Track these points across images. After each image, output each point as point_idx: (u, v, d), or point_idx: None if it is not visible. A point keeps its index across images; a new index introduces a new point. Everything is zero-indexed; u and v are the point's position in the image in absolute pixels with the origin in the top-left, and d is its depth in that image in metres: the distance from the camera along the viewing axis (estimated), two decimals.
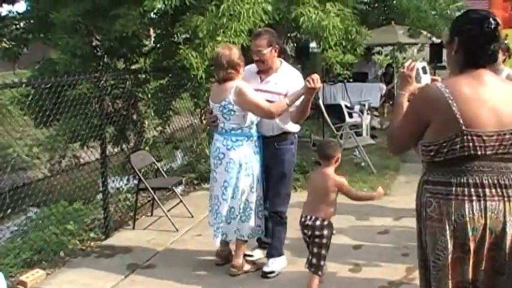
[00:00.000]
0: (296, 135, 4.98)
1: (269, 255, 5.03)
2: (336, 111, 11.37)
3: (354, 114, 11.30)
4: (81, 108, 6.95)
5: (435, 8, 14.01)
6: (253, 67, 4.87)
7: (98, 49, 8.84)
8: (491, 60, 2.66)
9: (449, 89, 2.56)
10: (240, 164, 4.68)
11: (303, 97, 4.56)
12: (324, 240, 4.33)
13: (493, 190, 2.58)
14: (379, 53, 19.08)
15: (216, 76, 4.81)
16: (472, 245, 2.59)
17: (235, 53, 4.66)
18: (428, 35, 14.08)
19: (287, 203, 5.03)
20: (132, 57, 9.21)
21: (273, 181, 4.90)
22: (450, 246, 2.61)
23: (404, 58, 20.74)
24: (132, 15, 7.59)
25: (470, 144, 2.53)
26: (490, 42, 2.60)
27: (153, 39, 9.84)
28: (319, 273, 4.38)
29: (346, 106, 11.49)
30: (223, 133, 4.75)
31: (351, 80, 13.39)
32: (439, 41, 14.42)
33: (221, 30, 6.90)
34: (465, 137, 2.52)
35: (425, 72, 2.99)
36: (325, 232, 4.33)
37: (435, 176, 2.69)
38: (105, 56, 8.94)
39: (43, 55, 9.73)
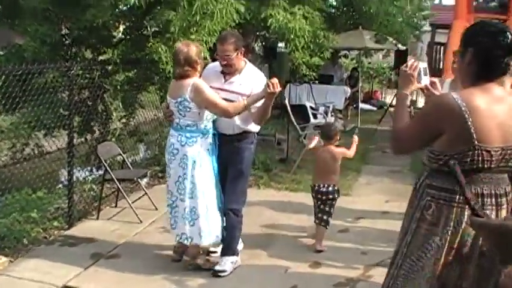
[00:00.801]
0: (256, 135, 5.01)
1: (222, 254, 5.02)
2: (300, 111, 11.53)
3: (318, 116, 11.48)
4: (49, 97, 6.90)
5: (402, 15, 14.30)
6: (216, 66, 4.88)
7: (67, 37, 8.77)
8: (503, 74, 2.64)
9: (465, 102, 2.52)
10: (194, 160, 4.68)
11: (263, 100, 4.63)
12: (334, 202, 5.57)
13: (489, 199, 2.63)
14: (345, 56, 19.33)
15: (174, 72, 4.87)
16: (464, 251, 2.62)
17: (192, 50, 4.67)
18: (394, 41, 14.36)
19: (243, 201, 5.02)
20: (100, 48, 9.16)
21: (230, 178, 4.88)
22: (443, 249, 2.64)
23: (369, 63, 21.10)
24: (103, 6, 7.58)
25: (480, 158, 2.55)
26: (505, 56, 2.58)
27: (121, 30, 9.80)
28: (327, 226, 5.59)
29: (311, 107, 11.67)
30: (178, 129, 4.75)
31: (317, 81, 13.59)
32: (404, 48, 14.73)
33: (194, 28, 6.94)
34: (476, 152, 2.53)
35: (426, 73, 3.01)
36: (336, 195, 5.57)
37: (439, 181, 2.67)
38: (73, 45, 8.88)
39: (8, 40, 9.58)
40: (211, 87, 4.70)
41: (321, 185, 5.54)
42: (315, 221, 5.67)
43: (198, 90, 4.60)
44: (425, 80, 3.03)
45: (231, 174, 4.88)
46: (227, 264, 4.95)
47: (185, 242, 4.89)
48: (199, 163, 4.70)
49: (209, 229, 4.81)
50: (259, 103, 4.68)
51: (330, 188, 5.54)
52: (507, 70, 2.63)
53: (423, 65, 2.97)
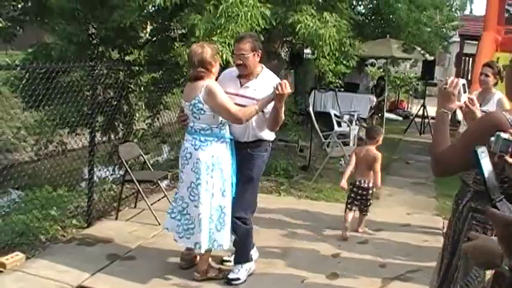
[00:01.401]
0: (270, 144, 4.90)
1: (235, 262, 4.94)
2: (325, 119, 11.46)
3: (342, 124, 11.38)
4: (73, 95, 6.96)
5: (431, 25, 14.14)
6: (233, 71, 4.79)
7: (94, 37, 8.84)
8: None
9: None
10: (208, 165, 4.52)
11: (273, 103, 4.49)
12: (369, 196, 6.32)
13: None
14: (372, 64, 19.21)
15: (188, 74, 4.77)
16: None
17: (207, 52, 4.54)
18: (422, 51, 14.21)
19: (251, 210, 4.91)
20: (127, 48, 9.22)
21: (240, 185, 4.73)
22: (486, 276, 2.47)
23: (396, 72, 20.94)
24: (130, 7, 7.61)
25: None
26: None
27: (149, 31, 9.86)
28: (367, 213, 6.45)
29: (336, 115, 11.57)
30: (193, 133, 4.60)
31: (342, 89, 13.50)
32: (432, 58, 14.57)
33: (218, 31, 6.92)
34: None
35: (465, 90, 2.80)
36: (371, 191, 6.33)
37: (484, 205, 2.50)
38: (100, 44, 8.95)
39: (37, 38, 9.70)
40: (226, 92, 4.56)
41: (362, 181, 6.26)
42: (346, 209, 6.32)
43: (212, 93, 4.46)
44: (464, 98, 2.81)
45: (241, 181, 4.74)
46: (241, 271, 4.88)
47: (199, 250, 4.71)
48: (212, 168, 4.55)
49: (223, 236, 4.67)
50: (270, 107, 4.53)
51: (370, 184, 6.27)
52: None
53: (463, 81, 2.76)
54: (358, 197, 6.30)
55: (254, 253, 5.14)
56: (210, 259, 4.98)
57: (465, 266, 2.64)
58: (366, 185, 6.28)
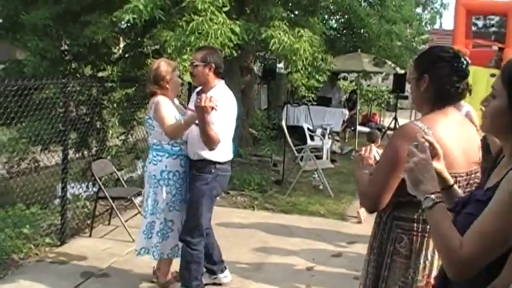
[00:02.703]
0: (217, 166, 4.54)
1: (181, 285, 4.78)
2: (298, 133, 11.56)
3: (315, 138, 11.49)
4: (45, 112, 6.93)
5: (401, 39, 14.36)
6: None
7: (66, 53, 8.83)
8: (460, 98, 2.62)
9: (432, 130, 2.44)
10: (158, 178, 4.62)
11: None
12: None
13: None
14: (344, 78, 19.40)
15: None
16: (435, 282, 2.48)
17: (161, 68, 4.60)
18: (393, 65, 14.41)
19: (197, 235, 4.59)
20: (100, 64, 9.21)
21: (186, 207, 4.71)
22: (420, 281, 2.58)
23: (368, 86, 21.18)
24: (102, 23, 7.63)
25: None
26: (460, 80, 2.54)
27: (121, 48, 9.86)
28: None
29: (309, 129, 11.68)
30: (149, 147, 4.76)
31: (315, 103, 13.62)
32: (403, 71, 14.79)
33: (188, 48, 6.97)
34: None
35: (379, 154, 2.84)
36: None
37: (407, 213, 2.58)
38: (73, 61, 8.93)
39: (9, 55, 9.65)
40: (188, 108, 4.62)
41: None
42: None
43: (157, 108, 4.53)
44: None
45: (188, 202, 4.69)
46: None
47: (142, 255, 4.86)
48: (162, 182, 4.63)
49: (165, 246, 4.74)
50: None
51: None
52: (464, 95, 2.60)
53: (375, 148, 2.92)
54: None
55: (223, 278, 5.09)
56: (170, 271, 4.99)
57: (396, 275, 2.64)
58: None
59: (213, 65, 4.47)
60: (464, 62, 2.56)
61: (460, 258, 1.83)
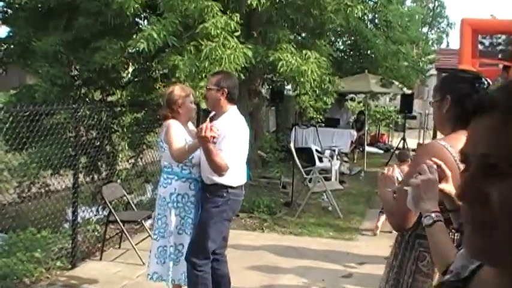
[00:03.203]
0: (229, 190, 4.50)
1: None
2: (306, 154, 11.59)
3: (323, 159, 11.51)
4: (56, 137, 7.02)
5: (408, 60, 14.45)
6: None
7: (76, 79, 8.95)
8: None
9: (454, 148, 2.42)
10: (167, 201, 4.64)
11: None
12: None
13: None
14: (352, 99, 19.47)
15: None
16: None
17: (174, 93, 4.69)
18: (400, 85, 14.47)
19: (203, 257, 4.55)
20: (109, 89, 9.34)
21: (194, 228, 4.68)
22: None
23: (376, 106, 21.24)
24: (112, 49, 7.76)
25: None
26: None
27: (130, 72, 9.99)
28: None
29: (317, 150, 11.71)
30: (161, 170, 4.83)
31: (323, 124, 13.68)
32: (410, 92, 14.85)
33: (203, 74, 7.03)
34: None
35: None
36: None
37: None
38: (83, 86, 9.06)
39: (19, 80, 9.80)
40: (192, 131, 4.70)
41: None
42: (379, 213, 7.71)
43: (167, 130, 4.60)
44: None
45: (197, 223, 4.68)
46: None
47: (155, 280, 4.84)
48: (171, 205, 4.66)
49: (177, 271, 4.73)
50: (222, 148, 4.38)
51: None
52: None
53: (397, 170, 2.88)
54: None
55: None
56: None
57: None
58: None
59: (226, 90, 4.47)
60: (485, 83, 2.60)
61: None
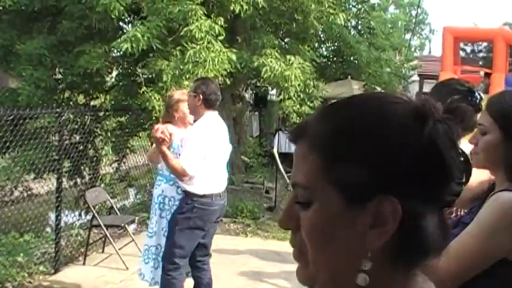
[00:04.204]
0: (194, 198, 4.38)
1: None
2: (289, 159, 11.58)
3: None
4: (40, 141, 6.99)
5: (390, 66, 14.58)
6: None
7: (60, 82, 8.92)
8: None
9: None
10: (156, 202, 4.75)
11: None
12: None
13: None
14: None
15: None
16: None
17: (172, 97, 4.82)
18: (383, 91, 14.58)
19: (170, 262, 4.46)
20: (93, 93, 9.32)
21: None
22: None
23: None
24: (96, 53, 7.75)
25: None
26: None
27: (114, 76, 9.98)
28: None
29: None
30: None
31: None
32: None
33: (187, 76, 7.08)
34: None
35: None
36: None
37: None
38: (67, 89, 9.03)
39: (1, 83, 9.74)
40: None
41: None
42: None
43: None
44: None
45: None
46: None
47: (142, 279, 4.88)
48: (159, 206, 4.76)
49: (156, 273, 4.73)
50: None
51: None
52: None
53: None
54: None
55: None
56: None
57: None
58: None
59: (201, 95, 4.37)
60: (478, 97, 2.64)
61: (438, 277, 1.74)
